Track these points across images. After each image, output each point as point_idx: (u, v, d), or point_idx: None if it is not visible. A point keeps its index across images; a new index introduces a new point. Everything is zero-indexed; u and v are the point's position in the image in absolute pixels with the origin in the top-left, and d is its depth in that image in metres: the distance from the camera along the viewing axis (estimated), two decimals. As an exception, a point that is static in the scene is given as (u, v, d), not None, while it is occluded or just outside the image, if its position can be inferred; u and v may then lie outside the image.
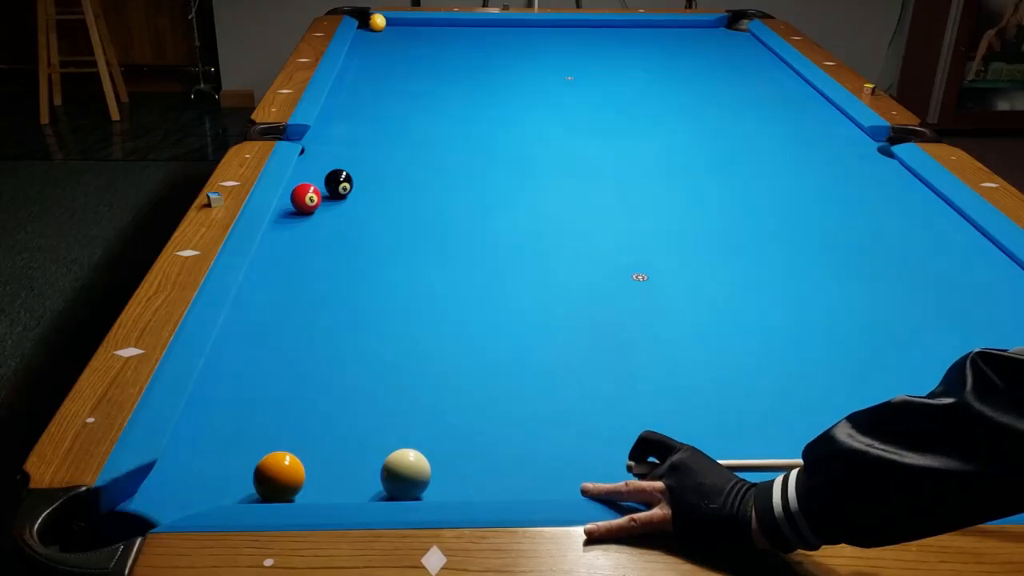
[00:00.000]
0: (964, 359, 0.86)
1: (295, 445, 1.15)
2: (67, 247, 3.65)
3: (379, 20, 3.51)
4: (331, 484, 1.14)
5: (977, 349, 0.86)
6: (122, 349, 1.36)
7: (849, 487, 0.89)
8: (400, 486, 1.11)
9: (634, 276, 1.71)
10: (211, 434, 1.24)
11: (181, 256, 1.66)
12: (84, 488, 1.06)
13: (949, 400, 0.85)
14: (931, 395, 0.87)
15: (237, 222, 1.81)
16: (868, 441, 0.88)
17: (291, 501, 1.11)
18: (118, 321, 1.44)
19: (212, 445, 1.22)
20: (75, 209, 3.99)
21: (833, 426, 0.92)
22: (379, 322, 1.55)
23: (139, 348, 1.36)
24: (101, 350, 1.36)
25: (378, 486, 1.13)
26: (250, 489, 1.12)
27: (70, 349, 2.96)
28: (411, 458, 1.11)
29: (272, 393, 1.33)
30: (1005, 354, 0.84)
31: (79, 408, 1.21)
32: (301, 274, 1.70)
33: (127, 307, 1.48)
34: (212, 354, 1.40)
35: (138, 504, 1.09)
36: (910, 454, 0.85)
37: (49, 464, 1.10)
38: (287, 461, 1.11)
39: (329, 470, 1.16)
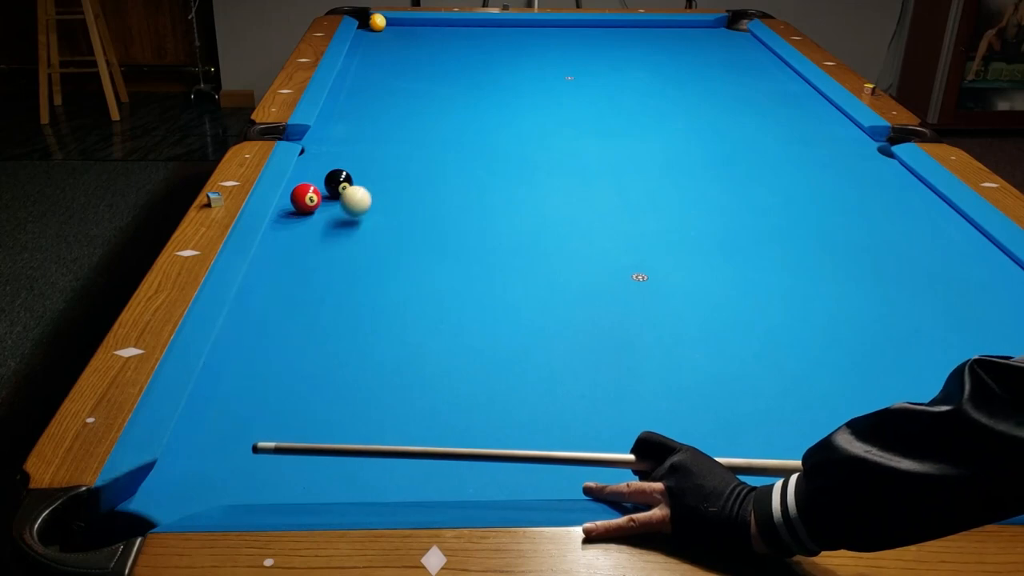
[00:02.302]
0: (963, 366, 0.86)
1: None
2: (67, 247, 3.65)
3: (379, 20, 3.51)
4: (331, 484, 1.14)
5: (976, 356, 0.86)
6: (122, 349, 1.36)
7: (848, 493, 0.89)
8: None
9: (634, 276, 1.71)
10: (211, 434, 1.24)
11: (181, 256, 1.66)
12: (84, 488, 1.06)
13: (947, 407, 0.85)
14: (931, 402, 0.87)
15: (237, 222, 1.81)
16: (867, 447, 0.88)
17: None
18: (118, 321, 1.44)
19: (212, 445, 1.22)
20: (75, 209, 3.99)
21: (833, 432, 0.92)
22: (379, 322, 1.55)
23: (139, 348, 1.36)
24: (101, 350, 1.36)
25: (378, 486, 1.14)
26: (250, 489, 1.12)
27: (70, 349, 2.96)
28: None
29: (272, 393, 1.33)
30: (1004, 361, 0.84)
31: (79, 408, 1.21)
32: (301, 274, 1.70)
33: (127, 307, 1.48)
34: (212, 354, 1.40)
35: (138, 504, 1.09)
36: (908, 461, 0.85)
37: (49, 464, 1.10)
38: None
39: (329, 470, 1.16)
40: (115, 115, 5.08)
